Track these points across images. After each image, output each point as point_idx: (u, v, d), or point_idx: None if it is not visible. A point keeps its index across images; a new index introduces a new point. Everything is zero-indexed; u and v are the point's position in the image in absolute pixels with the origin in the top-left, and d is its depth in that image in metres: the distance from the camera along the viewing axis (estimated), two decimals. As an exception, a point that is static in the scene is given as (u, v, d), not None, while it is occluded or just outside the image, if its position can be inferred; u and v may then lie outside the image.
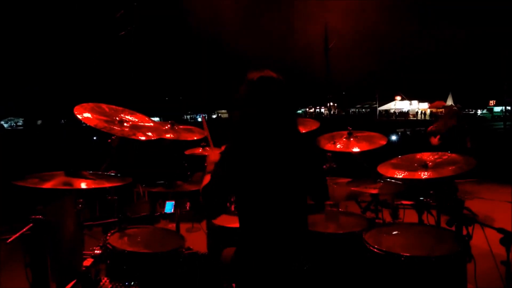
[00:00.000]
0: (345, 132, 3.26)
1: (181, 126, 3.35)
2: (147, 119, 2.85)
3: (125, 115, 2.77)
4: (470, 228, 2.31)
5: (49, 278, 1.86)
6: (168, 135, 3.08)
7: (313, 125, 3.47)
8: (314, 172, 1.95)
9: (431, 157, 2.74)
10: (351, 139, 3.19)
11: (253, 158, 1.81)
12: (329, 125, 3.78)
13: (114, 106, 2.83)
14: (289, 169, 1.83)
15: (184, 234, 2.70)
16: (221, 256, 2.09)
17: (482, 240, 2.43)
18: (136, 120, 2.79)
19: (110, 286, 2.12)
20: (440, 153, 2.78)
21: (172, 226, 3.40)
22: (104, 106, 2.79)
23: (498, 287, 2.33)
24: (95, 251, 2.44)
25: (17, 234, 1.65)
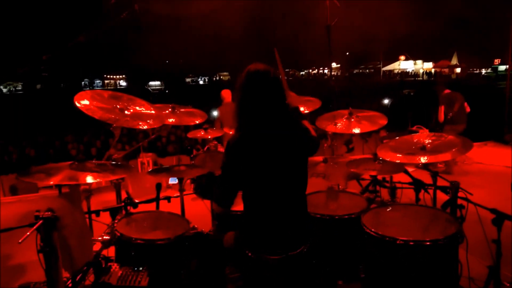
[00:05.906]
0: (346, 112, 3.26)
1: (182, 109, 3.35)
2: (146, 104, 2.85)
3: (123, 102, 2.76)
4: (463, 211, 2.39)
5: (61, 267, 1.95)
6: (170, 120, 3.09)
7: (316, 105, 3.46)
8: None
9: (428, 138, 2.76)
10: (352, 119, 3.20)
11: (252, 147, 1.90)
12: (330, 101, 3.75)
13: (111, 92, 2.83)
14: (285, 155, 1.92)
15: (190, 203, 2.71)
16: (223, 240, 2.19)
17: (475, 219, 2.52)
18: (136, 107, 2.79)
19: (120, 272, 2.24)
20: (437, 134, 2.82)
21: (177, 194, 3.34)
22: (102, 92, 2.79)
23: (488, 264, 2.44)
24: (104, 237, 2.54)
25: (27, 234, 1.73)
